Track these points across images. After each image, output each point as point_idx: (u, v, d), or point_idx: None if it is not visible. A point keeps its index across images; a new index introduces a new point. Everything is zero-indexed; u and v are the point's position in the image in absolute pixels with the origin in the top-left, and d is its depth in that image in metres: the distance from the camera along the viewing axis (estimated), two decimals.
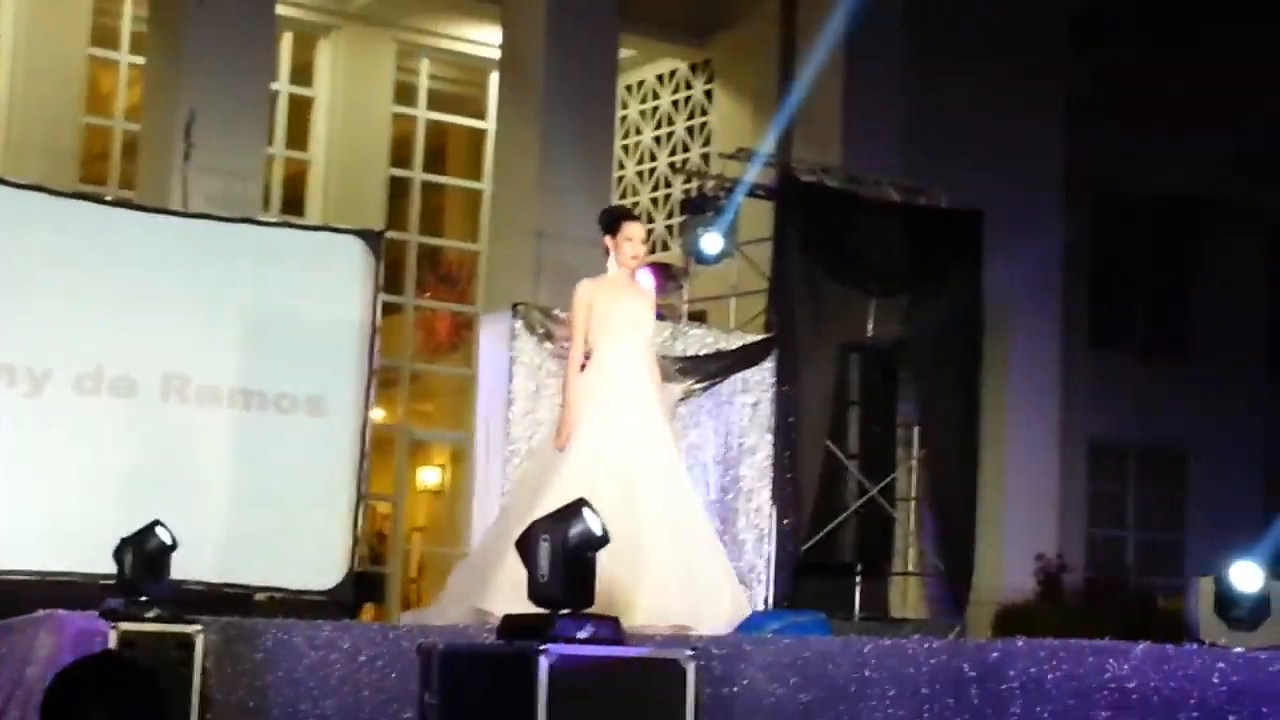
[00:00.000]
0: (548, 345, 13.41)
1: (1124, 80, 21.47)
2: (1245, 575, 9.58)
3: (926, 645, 5.84)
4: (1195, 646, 6.01)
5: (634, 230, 9.29)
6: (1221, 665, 4.95)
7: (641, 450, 8.96)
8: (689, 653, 5.58)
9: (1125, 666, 5.16)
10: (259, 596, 13.25)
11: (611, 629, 5.48)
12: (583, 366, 9.20)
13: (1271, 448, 22.58)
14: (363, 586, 14.74)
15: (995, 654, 5.59)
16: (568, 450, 8.89)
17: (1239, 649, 6.02)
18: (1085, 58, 21.10)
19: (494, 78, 19.81)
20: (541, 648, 5.23)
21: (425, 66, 20.66)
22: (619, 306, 9.20)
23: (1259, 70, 22.06)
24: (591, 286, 9.27)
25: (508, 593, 7.86)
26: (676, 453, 9.31)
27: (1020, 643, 5.54)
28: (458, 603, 8.87)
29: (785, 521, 14.48)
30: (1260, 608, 9.43)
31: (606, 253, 9.29)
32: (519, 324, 13.48)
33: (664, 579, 8.50)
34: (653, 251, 20.22)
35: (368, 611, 16.86)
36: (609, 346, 9.17)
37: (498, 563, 8.43)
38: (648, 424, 9.13)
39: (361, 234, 14.30)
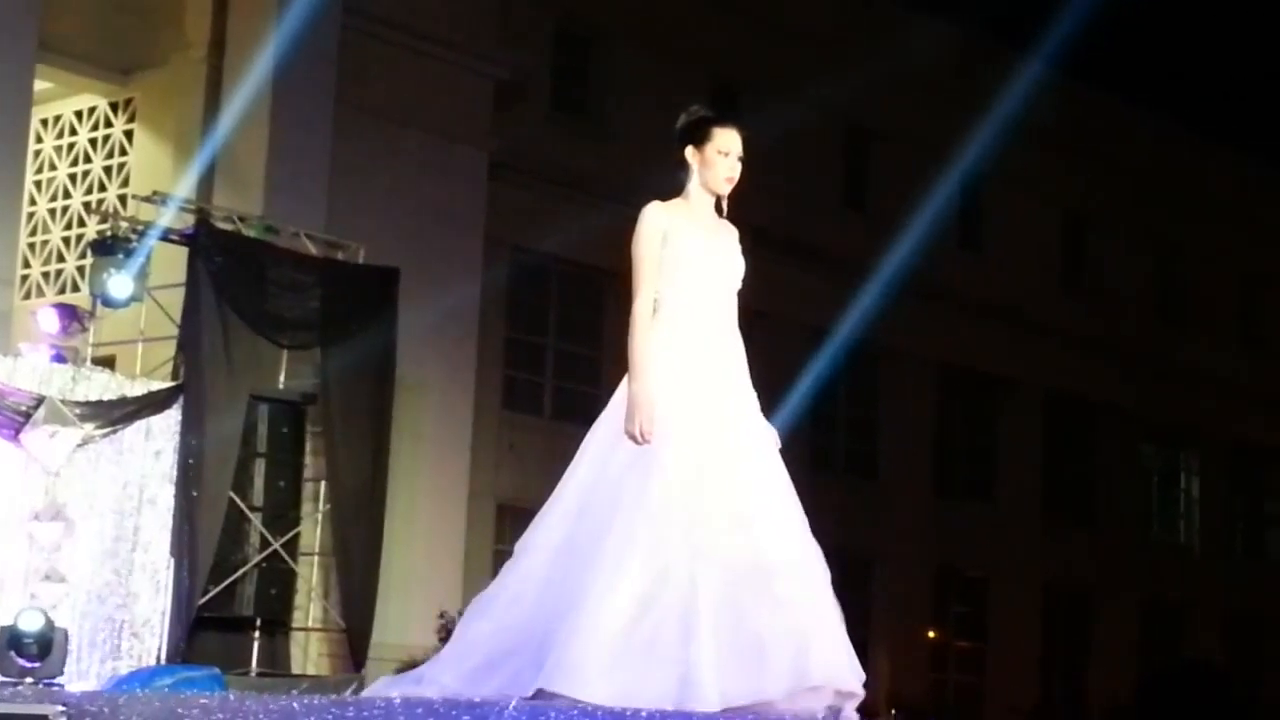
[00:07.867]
0: None
1: (541, 150, 22.07)
2: None
3: (308, 702, 5.81)
4: None
5: (730, 141, 6.56)
6: None
7: (751, 455, 6.47)
8: (60, 709, 5.39)
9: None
10: None
11: None
12: None
13: None
14: None
15: (379, 710, 5.61)
16: (655, 447, 6.40)
17: None
18: (508, 126, 21.60)
19: None
20: None
21: None
22: (703, 245, 6.53)
23: (656, 147, 23.03)
24: (665, 213, 6.53)
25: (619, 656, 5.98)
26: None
27: (398, 700, 5.58)
28: (496, 666, 6.28)
29: (184, 574, 14.17)
30: None
31: (683, 167, 6.62)
32: None
33: (811, 627, 6.20)
34: (62, 292, 19.61)
35: None
36: (686, 300, 6.51)
37: (575, 610, 6.10)
38: (748, 416, 6.57)
39: None
